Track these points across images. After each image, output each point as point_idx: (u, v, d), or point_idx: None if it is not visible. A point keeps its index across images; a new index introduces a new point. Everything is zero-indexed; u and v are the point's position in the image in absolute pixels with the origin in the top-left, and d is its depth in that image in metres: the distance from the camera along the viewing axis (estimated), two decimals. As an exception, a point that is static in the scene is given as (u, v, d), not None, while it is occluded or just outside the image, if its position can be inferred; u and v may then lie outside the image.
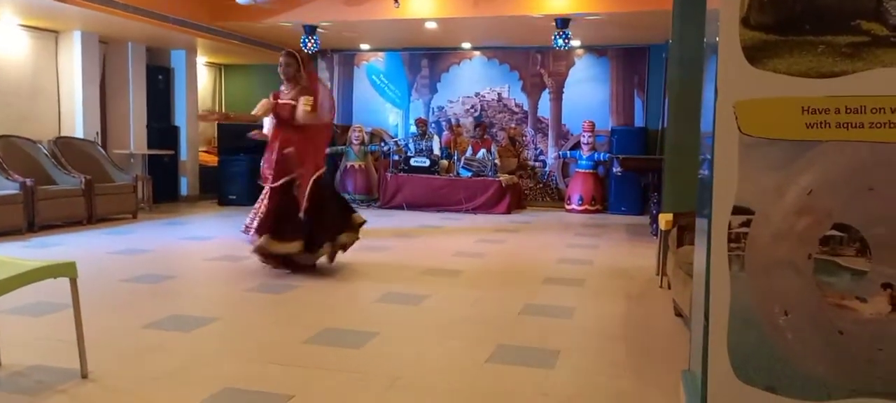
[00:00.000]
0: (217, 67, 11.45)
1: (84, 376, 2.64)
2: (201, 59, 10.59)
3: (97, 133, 8.39)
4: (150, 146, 9.05)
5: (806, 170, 1.91)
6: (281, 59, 4.89)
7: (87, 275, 2.94)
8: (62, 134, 8.09)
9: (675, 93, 5.91)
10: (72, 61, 8.17)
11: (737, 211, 1.95)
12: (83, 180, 7.10)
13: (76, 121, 8.23)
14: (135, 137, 8.90)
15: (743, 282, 1.96)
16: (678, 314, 3.70)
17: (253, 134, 5.54)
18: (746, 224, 1.95)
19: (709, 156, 2.04)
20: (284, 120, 4.83)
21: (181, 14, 8.06)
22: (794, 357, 1.93)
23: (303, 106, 4.71)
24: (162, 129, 9.37)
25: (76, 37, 8.11)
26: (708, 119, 2.08)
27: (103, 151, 8.14)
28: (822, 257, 1.91)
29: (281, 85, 4.99)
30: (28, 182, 6.48)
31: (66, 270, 2.61)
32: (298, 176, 4.80)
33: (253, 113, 4.99)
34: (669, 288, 4.17)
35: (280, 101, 4.88)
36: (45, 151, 7.35)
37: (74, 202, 6.98)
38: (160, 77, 9.51)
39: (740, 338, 1.97)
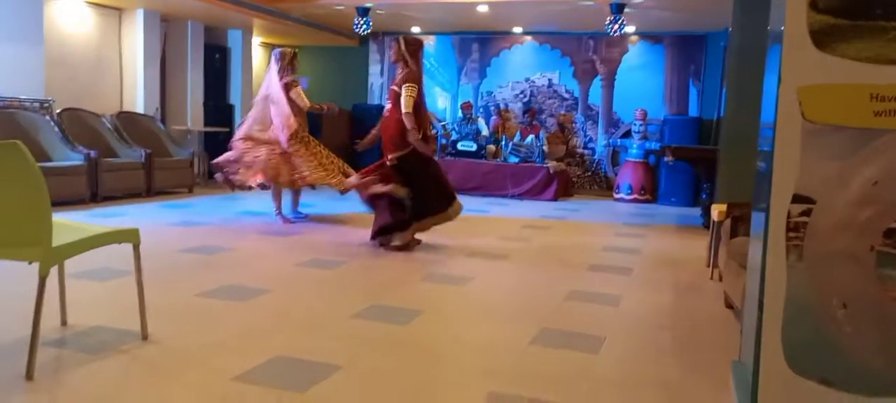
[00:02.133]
0: (272, 48, 11.65)
1: (144, 338, 2.77)
2: (257, 40, 10.81)
3: (157, 108, 8.68)
4: (206, 123, 9.31)
5: (872, 159, 1.84)
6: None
7: (147, 245, 3.06)
8: (124, 108, 8.40)
9: (734, 83, 5.76)
10: (134, 38, 8.46)
11: (797, 199, 1.90)
12: (144, 154, 7.36)
13: (137, 97, 8.52)
14: (192, 114, 9.16)
15: (800, 273, 1.91)
16: (729, 306, 3.63)
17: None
18: (806, 213, 1.90)
19: (768, 147, 1.99)
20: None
21: (239, -6, 8.24)
22: (851, 351, 1.88)
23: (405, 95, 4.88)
24: (218, 107, 9.62)
25: (139, 14, 8.38)
26: (769, 109, 2.03)
27: (162, 126, 8.41)
28: (885, 250, 1.85)
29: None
30: (92, 154, 6.75)
31: (130, 236, 2.73)
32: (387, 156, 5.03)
33: None
34: (720, 279, 4.09)
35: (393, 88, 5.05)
36: (108, 125, 7.64)
37: (135, 174, 7.25)
38: (217, 56, 9.75)
39: (795, 329, 1.93)
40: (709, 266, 4.66)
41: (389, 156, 4.98)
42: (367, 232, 5.37)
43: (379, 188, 4.96)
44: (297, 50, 6.42)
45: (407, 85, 4.87)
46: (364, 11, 8.76)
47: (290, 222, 6.15)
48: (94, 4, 8.13)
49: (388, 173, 5.00)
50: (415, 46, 5.05)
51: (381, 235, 5.05)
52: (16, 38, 6.90)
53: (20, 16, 6.93)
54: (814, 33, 1.88)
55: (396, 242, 4.98)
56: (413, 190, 4.96)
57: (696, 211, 8.14)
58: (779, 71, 1.93)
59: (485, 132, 9.68)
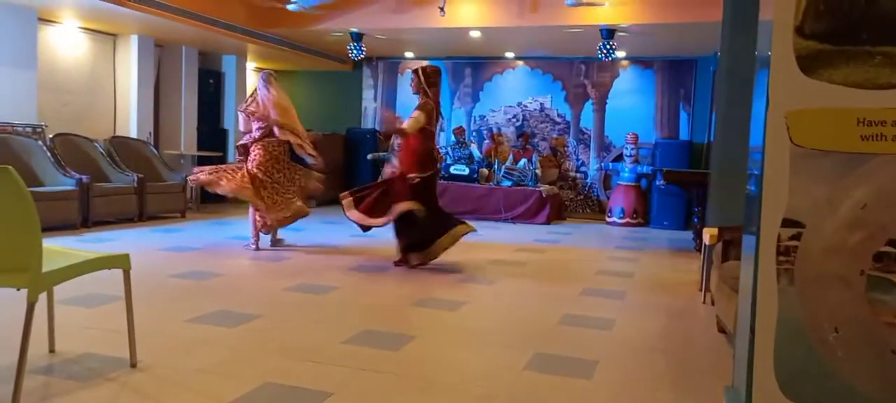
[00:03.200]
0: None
1: (133, 365, 2.74)
2: (251, 65, 10.86)
3: (150, 133, 8.67)
4: (199, 147, 9.31)
5: (860, 183, 1.86)
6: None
7: (138, 270, 3.05)
8: (117, 133, 8.39)
9: (723, 106, 5.80)
10: (128, 63, 8.48)
11: (787, 223, 1.91)
12: (136, 179, 7.34)
13: (131, 122, 8.52)
14: (185, 138, 9.17)
15: (791, 297, 1.92)
16: (721, 330, 3.63)
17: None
18: (796, 237, 1.91)
19: (757, 172, 2.00)
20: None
21: (233, 19, 8.29)
22: (843, 375, 1.88)
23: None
24: (211, 131, 9.63)
25: (133, 40, 8.41)
26: (758, 133, 2.05)
27: (155, 151, 8.41)
28: (875, 274, 1.86)
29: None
30: (84, 179, 6.73)
31: (120, 262, 2.71)
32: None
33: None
34: (713, 303, 4.09)
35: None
36: (101, 150, 7.63)
37: (127, 199, 7.22)
38: (211, 81, 9.79)
39: (787, 354, 1.92)
40: (701, 290, 4.66)
41: (411, 175, 5.19)
42: (356, 258, 5.34)
43: (403, 206, 5.14)
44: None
45: (416, 112, 5.26)
46: (357, 36, 8.83)
47: (258, 248, 5.94)
48: (89, 30, 8.16)
49: (403, 190, 5.18)
50: (433, 77, 5.35)
51: (409, 251, 5.31)
52: (9, 62, 6.91)
53: (14, 40, 6.95)
54: (800, 58, 1.91)
55: (415, 261, 5.30)
56: (429, 210, 5.22)
57: (689, 234, 8.16)
58: (766, 95, 1.95)
59: (477, 156, 9.72)
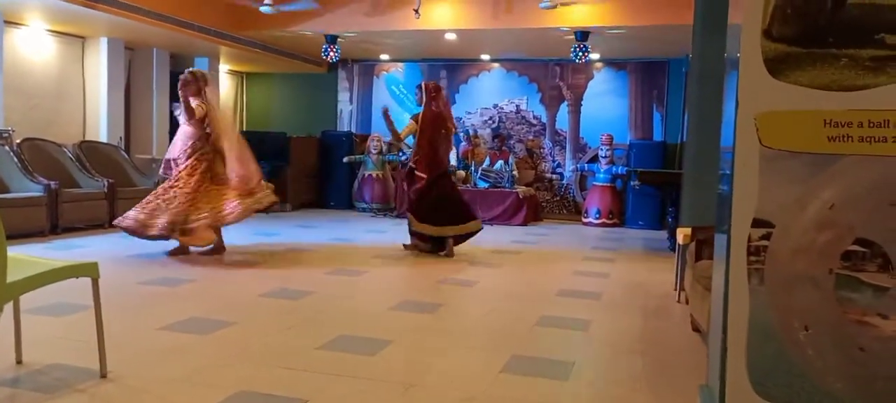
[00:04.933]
0: (239, 75, 11.59)
1: (103, 376, 2.68)
2: (224, 67, 10.73)
3: (121, 138, 8.52)
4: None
5: (828, 183, 1.89)
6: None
7: (107, 277, 2.98)
8: (87, 138, 8.23)
9: (695, 108, 5.88)
10: (98, 67, 8.33)
11: (757, 224, 1.94)
12: (106, 184, 7.20)
13: (100, 126, 8.37)
14: (158, 142, 9.02)
15: (762, 297, 1.94)
16: (695, 329, 3.66)
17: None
18: (766, 237, 1.93)
19: (728, 171, 2.03)
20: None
21: (205, 22, 8.18)
22: (814, 374, 1.90)
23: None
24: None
25: (102, 43, 8.26)
26: (728, 134, 2.07)
27: (126, 155, 8.26)
28: (843, 272, 1.89)
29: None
30: (52, 184, 6.59)
31: (88, 270, 2.65)
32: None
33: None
34: (687, 302, 4.13)
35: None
36: (70, 155, 7.47)
37: (97, 205, 7.08)
38: (183, 84, 9.64)
39: (759, 353, 1.95)
40: (676, 289, 4.71)
41: (419, 174, 6.16)
42: (331, 263, 5.32)
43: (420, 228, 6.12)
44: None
45: (412, 117, 6.27)
46: (332, 39, 8.78)
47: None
48: (56, 32, 7.99)
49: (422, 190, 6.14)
50: (433, 92, 6.22)
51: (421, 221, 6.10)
52: (-27, 66, 6.74)
53: (-22, 44, 6.78)
54: (768, 61, 1.93)
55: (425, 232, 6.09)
56: (440, 204, 6.09)
57: (663, 234, 8.25)
58: (736, 97, 1.97)
59: (453, 161, 9.72)
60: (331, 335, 3.41)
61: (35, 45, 7.79)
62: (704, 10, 5.48)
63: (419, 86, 6.29)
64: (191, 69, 5.85)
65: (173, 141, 5.85)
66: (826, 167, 1.89)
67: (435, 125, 6.13)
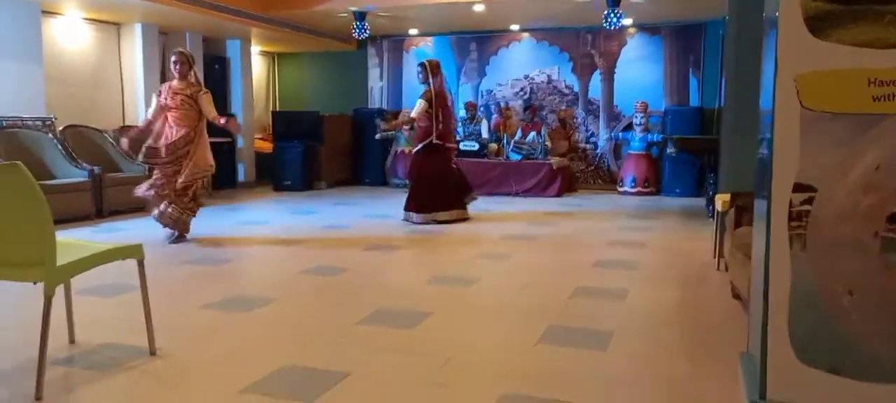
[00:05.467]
0: (271, 56, 11.69)
1: (152, 353, 2.77)
2: (255, 49, 10.82)
3: (158, 122, 8.68)
4: (208, 133, 9.31)
5: (872, 145, 1.83)
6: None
7: (152, 259, 3.08)
8: (126, 122, 8.41)
9: (733, 71, 5.73)
10: (133, 52, 8.48)
11: (798, 188, 1.90)
12: (147, 167, 7.36)
13: (138, 110, 8.54)
14: (193, 126, 9.17)
15: (804, 262, 1.91)
16: (736, 296, 3.62)
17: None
18: (808, 201, 1.89)
19: (768, 135, 1.98)
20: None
21: (236, 4, 8.25)
22: (858, 339, 1.87)
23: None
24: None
25: (137, 29, 8.40)
26: (768, 96, 2.02)
27: (164, 139, 8.42)
28: (889, 235, 1.84)
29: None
30: (95, 170, 6.77)
31: (134, 252, 2.73)
32: None
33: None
34: (726, 270, 4.07)
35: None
36: (111, 140, 7.66)
37: (138, 188, 7.25)
38: (216, 66, 9.77)
39: (802, 320, 1.92)
40: (715, 256, 4.64)
41: (452, 146, 6.75)
42: (367, 239, 5.38)
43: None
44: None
45: (420, 100, 6.50)
46: (361, 16, 8.77)
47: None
48: (92, 20, 8.15)
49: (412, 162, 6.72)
50: (435, 69, 6.54)
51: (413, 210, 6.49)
52: (15, 56, 6.93)
53: (19, 35, 6.96)
54: (809, 20, 1.88)
55: (416, 220, 6.42)
56: (431, 179, 6.43)
57: (701, 201, 8.12)
58: (776, 58, 1.92)
59: (485, 134, 9.67)
60: (369, 310, 3.46)
61: (72, 34, 7.97)
62: (741, -31, 5.31)
63: (423, 65, 6.53)
64: (182, 49, 5.58)
65: (163, 127, 5.37)
66: (870, 128, 1.83)
67: (442, 99, 6.48)
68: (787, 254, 1.92)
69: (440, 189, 6.46)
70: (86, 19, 8.07)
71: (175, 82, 5.40)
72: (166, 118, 5.37)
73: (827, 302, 1.90)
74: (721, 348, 2.91)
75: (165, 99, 5.36)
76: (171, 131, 5.34)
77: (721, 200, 4.30)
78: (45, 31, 7.45)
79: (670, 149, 8.64)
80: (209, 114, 5.43)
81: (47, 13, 7.51)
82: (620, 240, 5.64)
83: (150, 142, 5.32)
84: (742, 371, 2.31)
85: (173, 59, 5.41)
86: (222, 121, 5.57)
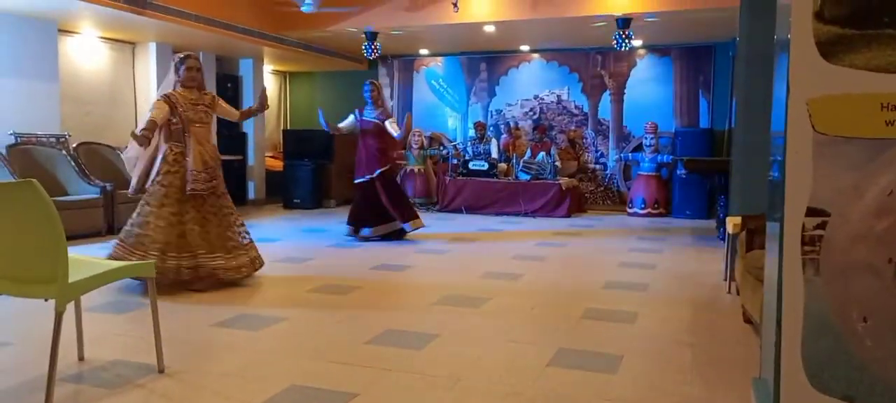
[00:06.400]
0: (282, 75, 11.79)
1: (161, 371, 2.77)
2: (267, 67, 10.92)
3: (170, 140, 8.77)
4: (220, 151, 9.37)
5: (886, 169, 1.82)
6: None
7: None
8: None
9: (743, 92, 5.72)
10: (147, 71, 8.59)
11: (811, 212, 1.88)
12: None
13: (151, 129, 8.62)
14: (205, 143, 9.24)
15: (818, 287, 1.88)
16: (747, 320, 3.58)
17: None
18: (821, 226, 1.87)
19: (780, 158, 1.97)
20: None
21: (249, 23, 8.35)
22: (873, 365, 1.84)
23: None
24: (231, 135, 9.72)
25: (151, 47, 8.51)
26: (779, 118, 2.02)
27: (176, 157, 8.49)
28: (904, 261, 1.82)
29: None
30: (108, 186, 6.82)
31: (145, 270, 2.75)
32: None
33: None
34: (738, 293, 4.04)
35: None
36: (123, 157, 7.72)
37: (150, 206, 7.30)
38: (229, 85, 9.87)
39: (816, 345, 1.89)
40: (725, 279, 4.60)
41: (384, 169, 6.56)
42: (375, 258, 5.36)
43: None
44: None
45: (392, 119, 6.64)
46: (372, 36, 8.84)
47: None
48: (108, 39, 8.27)
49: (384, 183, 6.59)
50: (381, 89, 6.87)
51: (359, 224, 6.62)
52: (31, 75, 7.03)
53: (35, 53, 7.06)
54: (820, 44, 1.87)
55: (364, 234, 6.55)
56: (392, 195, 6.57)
57: (711, 223, 8.08)
58: (787, 81, 1.92)
59: (494, 154, 9.68)
60: (378, 329, 3.45)
61: (88, 52, 8.08)
62: (751, -9, 5.32)
63: (375, 84, 6.73)
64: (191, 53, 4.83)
65: (202, 150, 4.57)
66: (883, 152, 1.82)
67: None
68: (800, 279, 1.90)
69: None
70: (101, 38, 8.18)
71: (184, 92, 4.55)
72: (172, 135, 4.50)
73: (841, 327, 1.88)
74: (733, 373, 2.88)
75: (184, 111, 4.49)
76: (201, 149, 4.53)
77: (732, 223, 4.28)
78: (62, 49, 7.55)
79: (680, 171, 8.61)
80: (234, 115, 4.99)
81: (64, 32, 7.63)
82: (630, 262, 5.61)
83: (191, 167, 4.43)
84: (754, 397, 2.28)
85: (190, 64, 4.61)
86: (246, 108, 5.29)
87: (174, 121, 4.49)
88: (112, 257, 4.07)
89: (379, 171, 6.50)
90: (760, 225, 3.61)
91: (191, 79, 4.61)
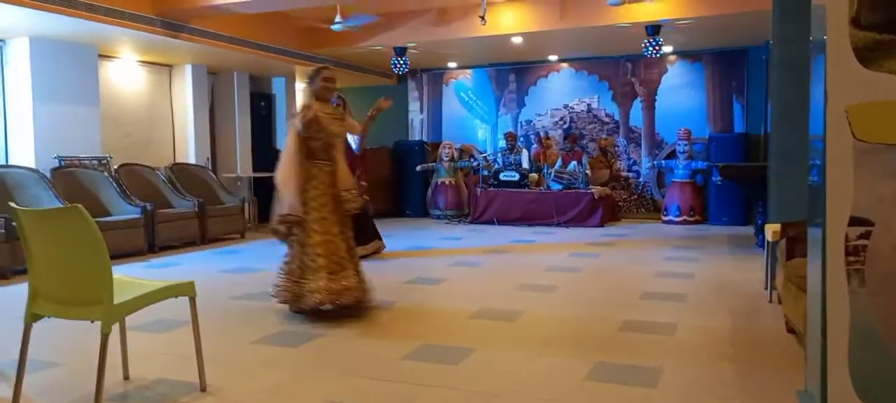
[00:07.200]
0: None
1: (203, 389, 2.83)
2: (299, 85, 11.09)
3: (208, 158, 8.97)
4: (255, 169, 9.57)
5: (932, 176, 1.78)
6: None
7: (202, 293, 3.15)
8: (177, 160, 8.71)
9: (779, 96, 5.62)
10: (184, 92, 8.81)
11: (854, 222, 1.85)
12: (196, 203, 7.59)
13: (189, 148, 8.83)
14: (241, 161, 9.44)
15: (863, 298, 1.84)
16: (790, 330, 3.50)
17: None
18: (865, 235, 1.84)
19: (819, 162, 1.94)
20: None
21: (281, 43, 8.52)
22: (925, 379, 1.79)
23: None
24: (265, 153, 9.89)
25: (188, 69, 8.73)
26: (817, 122, 1.98)
27: (213, 175, 8.68)
28: (954, 270, 1.77)
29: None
30: (148, 206, 7.00)
31: (186, 290, 2.81)
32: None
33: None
34: (779, 302, 3.95)
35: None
36: (163, 177, 7.92)
37: (189, 224, 7.47)
38: (262, 103, 10.06)
39: (862, 357, 1.85)
40: (766, 288, 4.51)
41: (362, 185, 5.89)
42: (408, 272, 5.38)
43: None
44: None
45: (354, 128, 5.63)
46: (401, 51, 8.93)
47: None
48: (146, 63, 8.51)
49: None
50: (347, 102, 5.80)
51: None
52: (75, 100, 7.27)
53: (78, 78, 7.30)
54: (858, 50, 1.85)
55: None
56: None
57: (749, 229, 7.92)
58: (824, 88, 1.89)
59: (525, 164, 9.66)
60: (414, 344, 3.47)
61: (127, 76, 8.33)
62: (784, -6, 5.23)
63: (342, 98, 5.72)
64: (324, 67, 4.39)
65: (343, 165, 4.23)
66: (929, 159, 1.78)
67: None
68: (844, 289, 1.87)
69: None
70: (140, 62, 8.42)
71: (322, 105, 4.21)
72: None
73: (890, 338, 1.83)
74: (777, 384, 2.82)
75: (328, 125, 4.14)
76: (344, 165, 4.27)
77: (771, 230, 4.20)
78: (102, 73, 7.80)
79: (716, 178, 8.48)
80: (356, 127, 4.59)
81: (104, 56, 7.87)
82: (667, 271, 5.53)
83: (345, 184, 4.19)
84: (800, 411, 2.23)
85: (326, 75, 4.23)
86: (370, 115, 4.71)
87: (319, 136, 4.11)
88: (279, 296, 4.01)
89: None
90: (801, 233, 3.54)
91: (327, 90, 4.25)
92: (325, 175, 4.12)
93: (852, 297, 1.85)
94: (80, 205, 2.41)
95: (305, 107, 4.11)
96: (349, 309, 4.09)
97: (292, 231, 4.05)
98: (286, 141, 4.17)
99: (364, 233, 6.04)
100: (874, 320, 1.84)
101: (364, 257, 5.64)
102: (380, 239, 6.57)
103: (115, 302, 2.47)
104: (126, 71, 8.30)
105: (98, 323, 2.45)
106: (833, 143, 1.88)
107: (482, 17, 7.68)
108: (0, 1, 5.48)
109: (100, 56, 7.66)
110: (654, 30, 7.64)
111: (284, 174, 4.06)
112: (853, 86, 1.85)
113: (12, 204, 2.65)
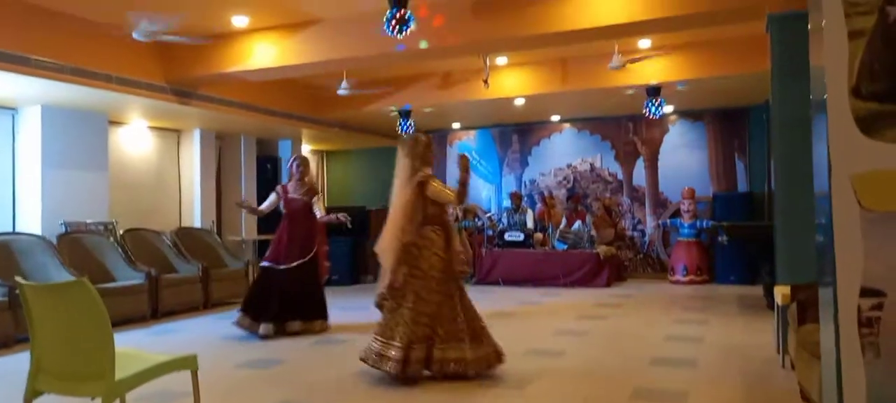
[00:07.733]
0: (320, 154, 12.09)
1: (204, 465, 2.76)
2: (306, 147, 11.23)
3: (213, 222, 9.00)
4: (259, 231, 9.58)
5: (942, 246, 1.76)
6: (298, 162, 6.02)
7: (204, 362, 3.10)
8: (182, 224, 8.74)
9: (781, 155, 5.65)
10: (191, 156, 8.92)
11: (866, 293, 1.82)
12: (200, 267, 7.57)
13: (194, 211, 8.88)
14: (246, 223, 9.46)
15: (880, 370, 1.80)
16: (805, 398, 3.42)
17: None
18: (878, 307, 1.81)
19: (824, 220, 1.93)
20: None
21: (288, 108, 8.66)
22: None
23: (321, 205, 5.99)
24: (271, 215, 9.90)
25: (196, 134, 8.87)
26: (822, 180, 1.98)
27: (218, 238, 8.69)
28: (970, 342, 1.73)
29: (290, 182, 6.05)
30: (152, 272, 6.98)
31: (188, 364, 2.77)
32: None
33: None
34: (792, 368, 3.87)
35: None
36: (168, 241, 7.93)
37: (193, 288, 7.43)
38: (268, 166, 10.16)
39: (882, 433, 1.80)
40: (779, 352, 4.43)
41: (306, 258, 5.88)
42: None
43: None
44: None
45: (318, 197, 6.06)
46: (406, 114, 9.06)
47: None
48: (156, 128, 8.64)
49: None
50: (308, 164, 6.19)
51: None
52: (84, 165, 7.35)
53: (87, 144, 7.41)
54: (860, 120, 1.86)
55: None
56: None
57: (757, 289, 7.84)
58: (827, 144, 1.89)
59: (530, 224, 9.65)
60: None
61: (136, 141, 8.45)
62: (781, 56, 5.33)
63: (303, 159, 6.10)
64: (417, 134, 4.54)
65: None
66: (938, 228, 1.76)
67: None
68: (859, 362, 1.83)
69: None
70: (149, 127, 8.55)
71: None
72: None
73: (908, 413, 1.78)
74: (794, 456, 2.73)
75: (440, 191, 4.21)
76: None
77: (781, 293, 4.15)
78: (112, 139, 7.91)
79: (721, 238, 8.45)
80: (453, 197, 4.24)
81: (114, 123, 8.01)
82: (676, 335, 5.45)
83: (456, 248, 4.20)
84: (820, 487, 2.15)
85: (428, 141, 4.42)
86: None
87: (439, 201, 4.14)
88: (368, 360, 3.99)
89: (300, 262, 5.77)
90: (812, 296, 3.49)
91: (432, 156, 4.34)
92: (440, 239, 4.09)
93: (868, 369, 1.81)
94: (85, 279, 2.40)
95: (428, 175, 4.08)
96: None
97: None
98: (393, 204, 4.11)
99: (312, 308, 5.90)
100: (892, 392, 1.80)
101: (302, 333, 5.73)
102: (325, 317, 6.11)
103: (117, 376, 2.44)
104: (135, 136, 8.43)
105: (98, 399, 2.41)
106: (840, 212, 1.87)
107: (485, 81, 7.82)
108: (17, 73, 5.61)
109: (110, 122, 7.79)
110: (654, 91, 7.74)
111: (389, 241, 4.01)
112: (857, 156, 1.85)
113: (19, 279, 2.64)
